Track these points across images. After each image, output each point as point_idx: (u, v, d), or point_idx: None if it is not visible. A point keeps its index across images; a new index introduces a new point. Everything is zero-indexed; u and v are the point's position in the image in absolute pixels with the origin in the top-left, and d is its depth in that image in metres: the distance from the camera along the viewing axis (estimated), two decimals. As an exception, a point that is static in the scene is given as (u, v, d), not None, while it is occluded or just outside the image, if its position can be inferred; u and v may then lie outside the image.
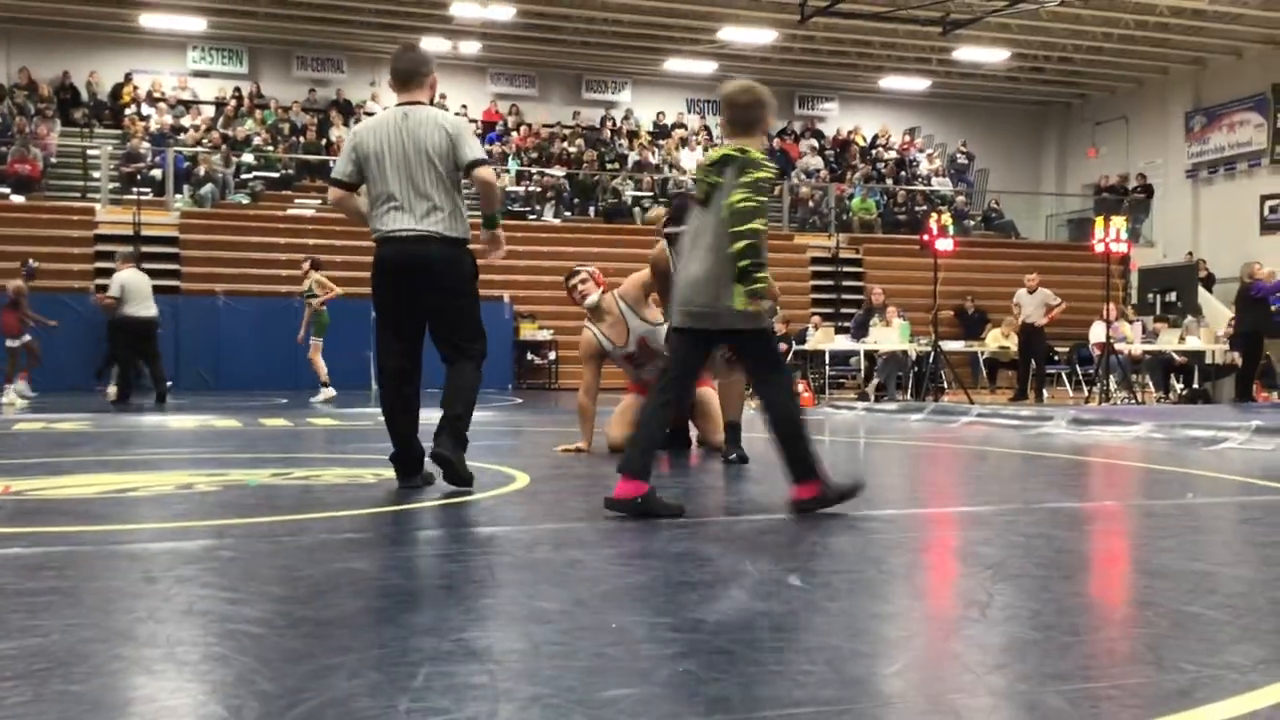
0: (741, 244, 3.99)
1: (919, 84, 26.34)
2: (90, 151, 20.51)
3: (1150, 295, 16.27)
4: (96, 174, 19.86)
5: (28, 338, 13.05)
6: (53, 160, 20.24)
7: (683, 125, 25.17)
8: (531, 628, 2.42)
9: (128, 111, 21.49)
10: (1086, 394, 15.88)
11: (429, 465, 4.79)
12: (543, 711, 1.87)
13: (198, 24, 22.17)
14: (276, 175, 20.49)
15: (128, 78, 22.34)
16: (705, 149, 24.31)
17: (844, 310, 20.43)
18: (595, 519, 4.26)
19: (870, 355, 16.27)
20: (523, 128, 23.81)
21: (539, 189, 21.92)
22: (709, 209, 4.17)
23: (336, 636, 2.38)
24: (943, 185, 25.39)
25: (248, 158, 20.86)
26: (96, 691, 1.97)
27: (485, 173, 4.89)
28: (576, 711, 1.86)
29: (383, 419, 4.87)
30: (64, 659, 2.16)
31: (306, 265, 14.54)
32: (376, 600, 2.67)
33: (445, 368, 4.82)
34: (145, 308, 12.52)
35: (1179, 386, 15.95)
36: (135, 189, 18.99)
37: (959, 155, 26.65)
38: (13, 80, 21.63)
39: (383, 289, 4.81)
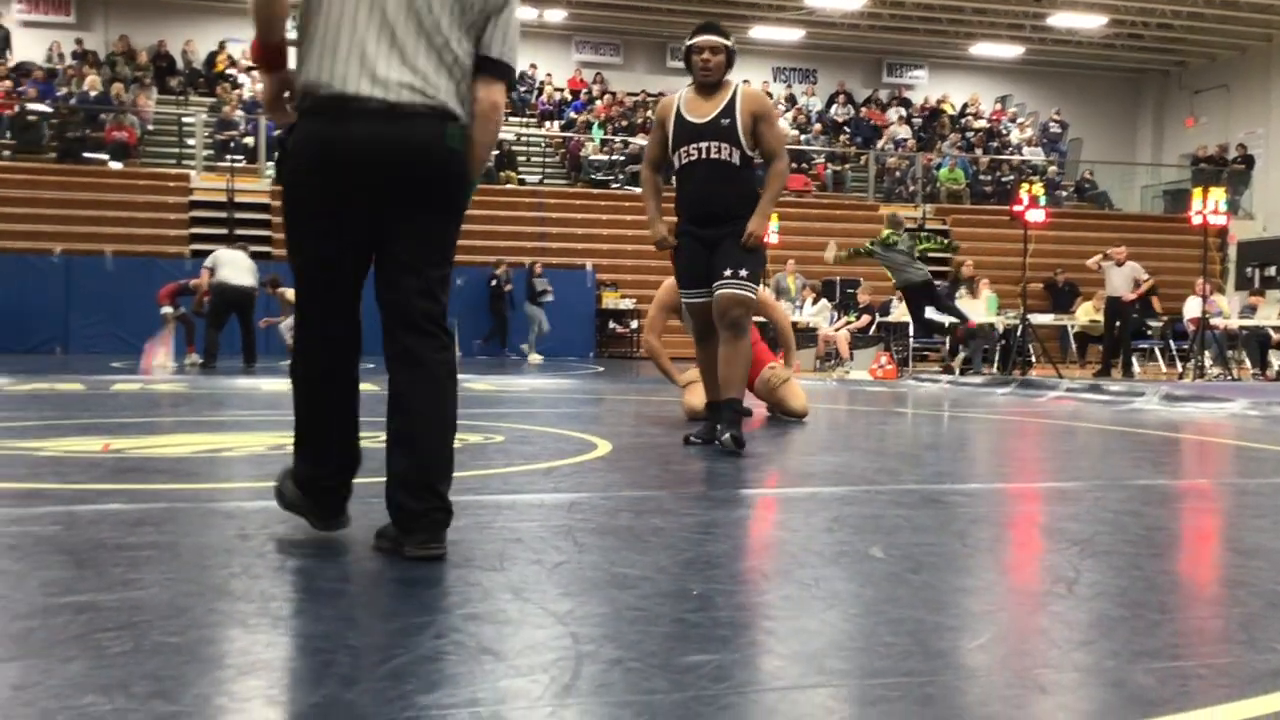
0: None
1: (1012, 51, 25.80)
2: (185, 119, 20.95)
3: (1249, 269, 15.82)
4: (191, 141, 20.28)
5: (182, 310, 13.64)
6: (149, 128, 20.71)
7: (768, 94, 24.92)
8: (613, 592, 2.44)
9: (222, 79, 21.89)
10: (1180, 370, 15.52)
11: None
12: (624, 674, 1.89)
13: (289, -8, 22.45)
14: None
15: (221, 46, 22.76)
16: (793, 120, 24.10)
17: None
18: (676, 487, 4.28)
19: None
20: (607, 96, 23.79)
21: (623, 158, 21.92)
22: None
23: (422, 596, 2.42)
24: (1034, 155, 24.88)
25: (337, 125, 21.12)
26: (193, 644, 2.03)
27: (499, 96, 2.88)
28: (658, 675, 1.88)
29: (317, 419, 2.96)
30: (163, 611, 2.23)
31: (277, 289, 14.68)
32: (461, 562, 2.71)
33: (393, 369, 2.84)
34: (240, 278, 13.08)
35: (1276, 363, 15.51)
36: (229, 156, 19.37)
37: (1052, 124, 26.08)
38: (111, 48, 22.15)
39: (323, 196, 2.75)
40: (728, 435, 5.17)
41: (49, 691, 1.75)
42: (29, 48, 21.84)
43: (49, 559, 2.71)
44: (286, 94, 2.84)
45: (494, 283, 17.84)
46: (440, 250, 2.87)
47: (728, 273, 5.30)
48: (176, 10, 22.81)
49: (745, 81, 6.71)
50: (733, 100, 5.36)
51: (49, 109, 19.80)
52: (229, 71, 22.20)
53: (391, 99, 2.72)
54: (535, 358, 17.52)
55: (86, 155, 19.11)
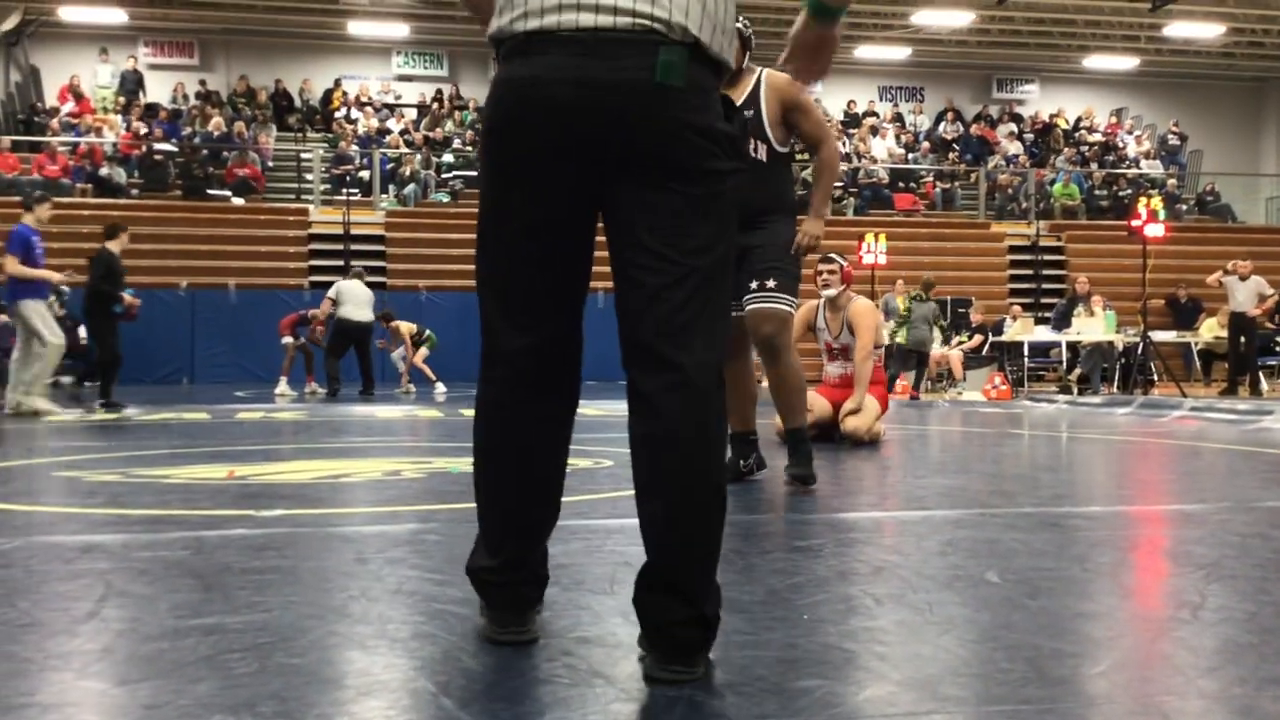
0: None
1: (1127, 63, 25.22)
2: (303, 155, 21.58)
3: (1383, 281, 15.19)
4: (309, 176, 20.88)
5: (302, 340, 14.16)
6: (270, 164, 21.39)
7: (874, 113, 24.70)
8: (725, 617, 2.44)
9: (337, 115, 22.53)
10: (1312, 387, 14.94)
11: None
12: (736, 698, 1.89)
13: (401, 30, 23.06)
14: (475, 174, 21.17)
15: (337, 83, 23.43)
16: (898, 138, 23.86)
17: (1044, 300, 19.75)
18: (785, 510, 4.26)
19: (1073, 346, 15.70)
20: (713, 120, 23.85)
21: (729, 181, 21.90)
22: None
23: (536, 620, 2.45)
24: (1152, 168, 24.24)
25: (448, 158, 21.59)
26: (314, 665, 2.09)
27: None
28: (768, 700, 1.87)
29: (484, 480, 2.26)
30: (285, 634, 2.29)
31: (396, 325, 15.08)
32: (572, 585, 2.74)
33: (636, 414, 2.05)
34: (360, 313, 13.56)
35: None
36: (345, 190, 19.91)
37: (1170, 136, 25.39)
38: (232, 88, 22.96)
39: (514, 161, 2.08)
40: (791, 475, 4.67)
41: (179, 711, 1.82)
42: (155, 89, 22.75)
43: (178, 583, 2.81)
44: None
45: None
46: (681, 236, 2.01)
47: (754, 285, 4.51)
48: (293, 51, 23.55)
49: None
50: (756, 89, 4.63)
51: (174, 148, 20.58)
52: (343, 108, 22.84)
53: (586, 23, 1.98)
54: None
55: (210, 192, 19.81)
